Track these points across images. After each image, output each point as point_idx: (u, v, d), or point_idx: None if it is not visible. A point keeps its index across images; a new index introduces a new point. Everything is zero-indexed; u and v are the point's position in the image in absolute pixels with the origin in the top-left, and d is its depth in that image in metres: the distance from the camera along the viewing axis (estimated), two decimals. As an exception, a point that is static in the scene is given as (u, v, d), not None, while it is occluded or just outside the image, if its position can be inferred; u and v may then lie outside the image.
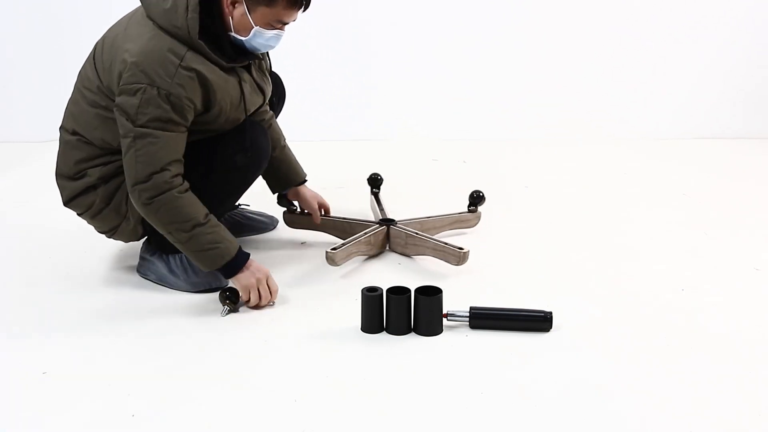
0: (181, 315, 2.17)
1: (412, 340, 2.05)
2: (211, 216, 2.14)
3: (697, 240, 2.72)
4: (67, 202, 2.30)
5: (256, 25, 2.10)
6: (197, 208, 2.11)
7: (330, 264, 2.34)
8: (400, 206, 2.80)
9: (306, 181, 2.60)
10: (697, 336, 2.06)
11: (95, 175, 2.22)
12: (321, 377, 1.87)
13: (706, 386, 1.83)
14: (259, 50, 2.19)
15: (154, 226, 2.15)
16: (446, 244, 2.42)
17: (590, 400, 1.77)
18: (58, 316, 2.17)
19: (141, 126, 2.05)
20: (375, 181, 2.89)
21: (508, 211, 2.99)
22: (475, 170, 3.53)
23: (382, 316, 2.07)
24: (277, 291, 2.21)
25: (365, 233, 2.50)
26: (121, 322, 2.14)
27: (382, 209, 2.73)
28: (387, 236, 2.59)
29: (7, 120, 3.99)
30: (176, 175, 2.09)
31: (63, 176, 2.28)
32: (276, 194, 2.64)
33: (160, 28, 2.08)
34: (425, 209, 2.77)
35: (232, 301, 2.17)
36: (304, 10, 2.14)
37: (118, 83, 2.07)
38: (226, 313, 2.16)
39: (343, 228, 2.61)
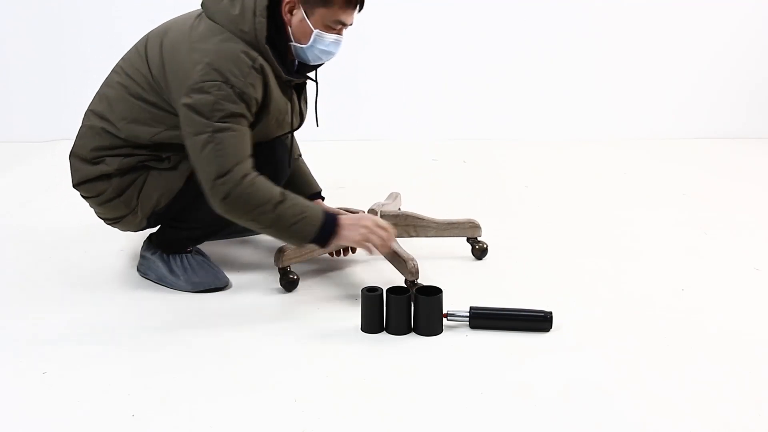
0: (181, 315, 2.17)
1: (412, 340, 2.05)
2: (287, 191, 2.11)
3: (697, 240, 2.72)
4: (78, 185, 2.29)
5: (315, 29, 2.12)
6: (272, 188, 2.09)
7: (276, 264, 2.30)
8: (400, 206, 2.79)
9: (323, 198, 2.54)
10: (697, 336, 2.06)
11: (113, 165, 2.21)
12: (321, 377, 1.87)
13: (706, 386, 1.83)
14: (321, 59, 2.19)
15: (238, 221, 2.12)
16: (400, 257, 2.27)
17: (590, 400, 1.77)
18: (57, 316, 2.17)
19: (219, 121, 2.06)
20: None
21: (508, 211, 2.99)
22: (475, 170, 3.53)
23: (382, 316, 2.07)
24: (387, 224, 2.16)
25: None
26: (121, 321, 2.14)
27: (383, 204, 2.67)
28: None
29: (7, 120, 3.99)
30: (252, 168, 2.09)
31: (78, 158, 2.27)
32: None
33: (229, 32, 2.11)
34: (425, 209, 2.76)
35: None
36: (359, 10, 2.17)
37: (188, 84, 2.08)
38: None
39: None
